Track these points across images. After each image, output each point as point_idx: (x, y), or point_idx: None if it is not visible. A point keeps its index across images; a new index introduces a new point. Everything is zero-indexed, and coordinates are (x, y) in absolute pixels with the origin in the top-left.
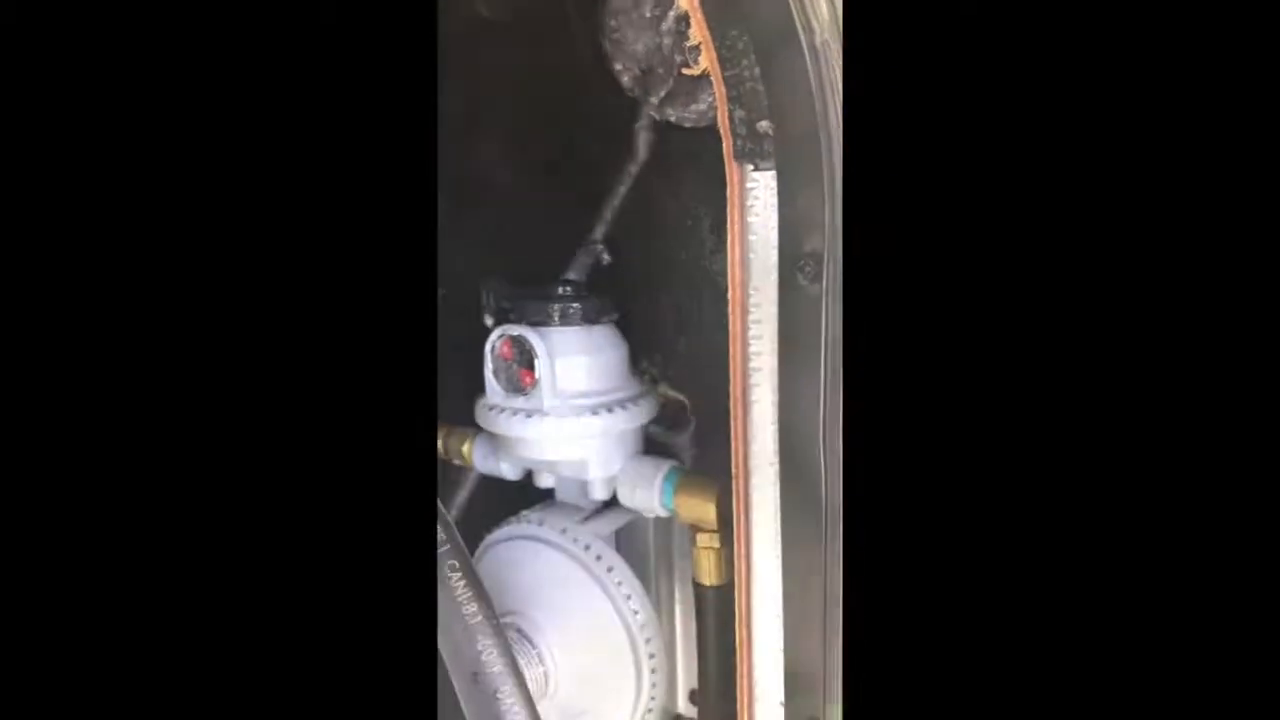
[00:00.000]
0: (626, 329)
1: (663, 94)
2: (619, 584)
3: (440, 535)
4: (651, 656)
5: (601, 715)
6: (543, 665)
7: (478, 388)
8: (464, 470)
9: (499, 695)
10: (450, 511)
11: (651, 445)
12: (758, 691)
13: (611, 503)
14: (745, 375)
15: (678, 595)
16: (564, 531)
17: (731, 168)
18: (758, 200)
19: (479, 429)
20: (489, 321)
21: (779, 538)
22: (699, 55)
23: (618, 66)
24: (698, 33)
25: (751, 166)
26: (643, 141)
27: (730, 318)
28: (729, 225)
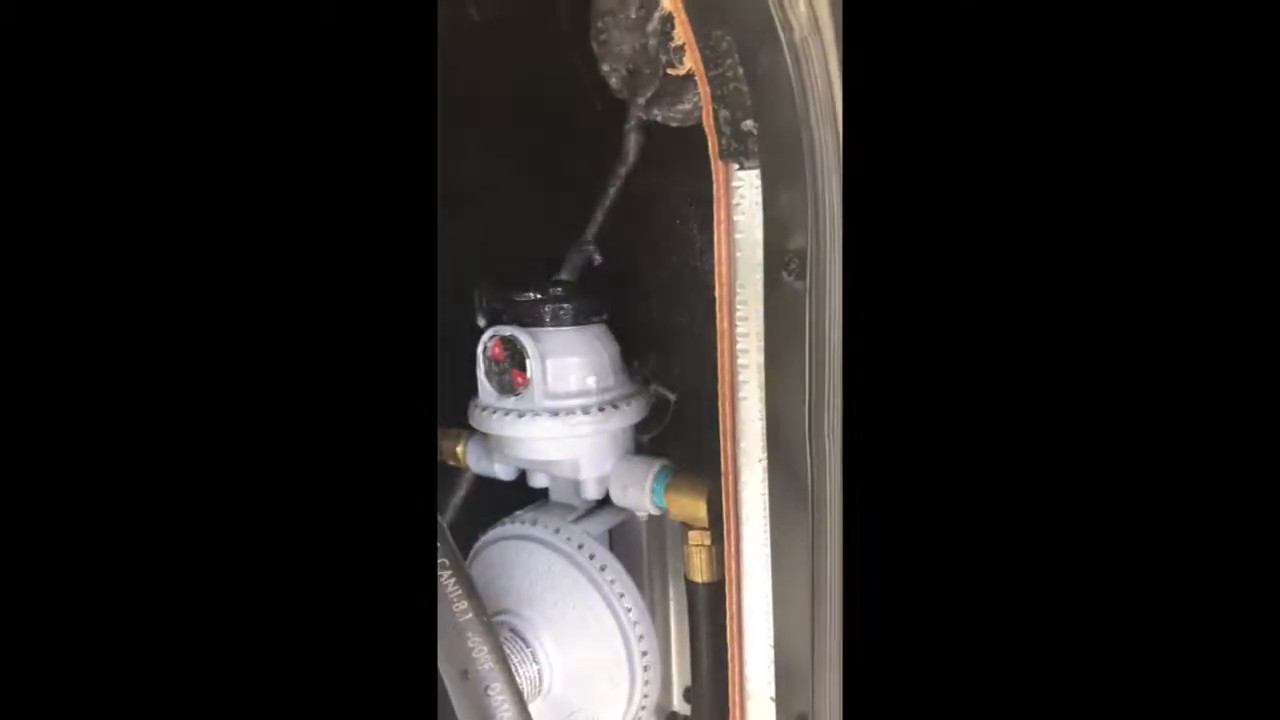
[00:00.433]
0: (617, 329)
1: (649, 94)
2: (612, 583)
3: None
4: (645, 654)
5: (596, 713)
6: (537, 664)
7: (470, 389)
8: (458, 471)
9: (489, 692)
10: (445, 513)
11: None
12: (749, 688)
13: (605, 502)
14: (733, 372)
15: (671, 593)
16: (557, 531)
17: (717, 167)
18: (744, 199)
19: (472, 430)
20: (481, 322)
21: (768, 532)
22: (684, 56)
23: (605, 68)
24: (682, 34)
25: (737, 165)
26: (632, 142)
27: (718, 315)
28: (715, 224)
